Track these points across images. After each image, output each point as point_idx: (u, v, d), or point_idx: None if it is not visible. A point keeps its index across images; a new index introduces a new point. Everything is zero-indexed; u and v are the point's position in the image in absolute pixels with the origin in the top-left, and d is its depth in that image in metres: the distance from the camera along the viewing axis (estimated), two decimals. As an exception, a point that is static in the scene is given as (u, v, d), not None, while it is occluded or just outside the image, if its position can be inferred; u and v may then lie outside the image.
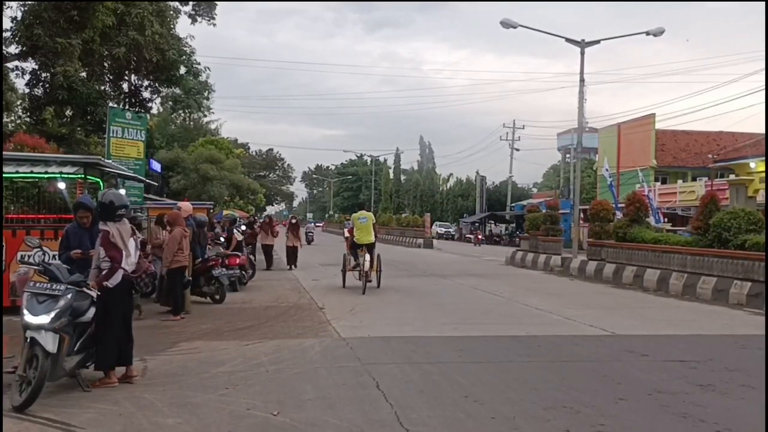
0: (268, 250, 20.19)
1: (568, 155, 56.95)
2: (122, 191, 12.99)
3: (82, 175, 10.77)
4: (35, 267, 6.30)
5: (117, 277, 6.04)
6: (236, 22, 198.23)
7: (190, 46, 26.09)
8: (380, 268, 14.48)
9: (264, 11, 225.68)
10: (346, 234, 15.81)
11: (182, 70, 27.41)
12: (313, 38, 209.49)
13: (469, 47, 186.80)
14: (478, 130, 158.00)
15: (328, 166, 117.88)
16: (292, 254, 20.32)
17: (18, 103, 28.97)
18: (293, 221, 21.94)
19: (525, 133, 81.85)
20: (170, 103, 37.84)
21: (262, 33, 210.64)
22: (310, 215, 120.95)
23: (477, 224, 55.91)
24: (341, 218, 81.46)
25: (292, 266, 20.07)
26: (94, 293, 5.99)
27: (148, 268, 6.39)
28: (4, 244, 9.74)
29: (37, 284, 5.83)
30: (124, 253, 6.09)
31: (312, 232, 42.06)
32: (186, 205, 12.10)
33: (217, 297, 12.01)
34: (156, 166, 31.42)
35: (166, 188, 36.06)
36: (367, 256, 13.89)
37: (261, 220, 24.78)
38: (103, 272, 6.04)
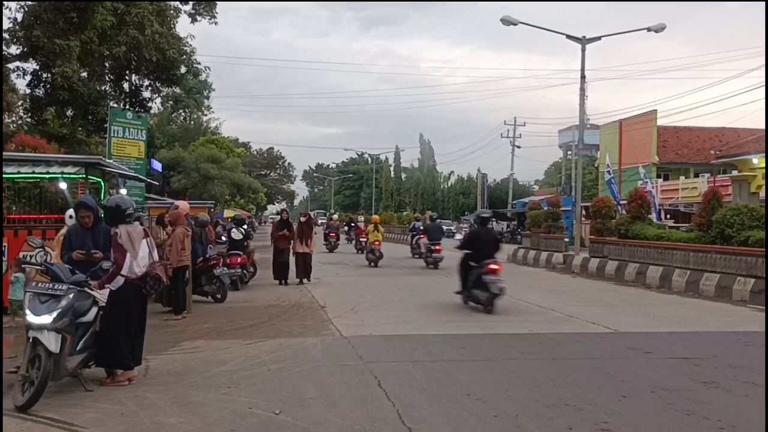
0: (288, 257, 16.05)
1: (569, 152, 56.93)
2: (123, 191, 13.00)
3: (84, 175, 10.77)
4: (37, 267, 6.29)
5: (119, 281, 6.03)
6: (231, 20, 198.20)
7: (191, 45, 26.12)
8: None
9: (257, 10, 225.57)
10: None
11: (182, 69, 27.40)
12: (308, 37, 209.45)
13: (467, 45, 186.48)
14: (479, 127, 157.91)
15: (328, 165, 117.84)
16: (302, 263, 15.75)
17: (19, 103, 28.97)
18: (302, 219, 16.35)
19: (526, 130, 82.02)
20: (170, 102, 37.88)
21: (257, 32, 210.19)
22: (314, 213, 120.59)
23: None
24: (342, 216, 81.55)
25: (303, 280, 15.64)
26: (96, 293, 5.99)
27: (153, 270, 6.35)
28: (5, 244, 9.74)
29: (39, 284, 5.83)
30: (128, 255, 6.07)
31: (334, 233, 30.56)
32: (184, 204, 12.11)
33: (219, 296, 12.02)
34: (157, 165, 31.44)
35: (168, 188, 36.12)
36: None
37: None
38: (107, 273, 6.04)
